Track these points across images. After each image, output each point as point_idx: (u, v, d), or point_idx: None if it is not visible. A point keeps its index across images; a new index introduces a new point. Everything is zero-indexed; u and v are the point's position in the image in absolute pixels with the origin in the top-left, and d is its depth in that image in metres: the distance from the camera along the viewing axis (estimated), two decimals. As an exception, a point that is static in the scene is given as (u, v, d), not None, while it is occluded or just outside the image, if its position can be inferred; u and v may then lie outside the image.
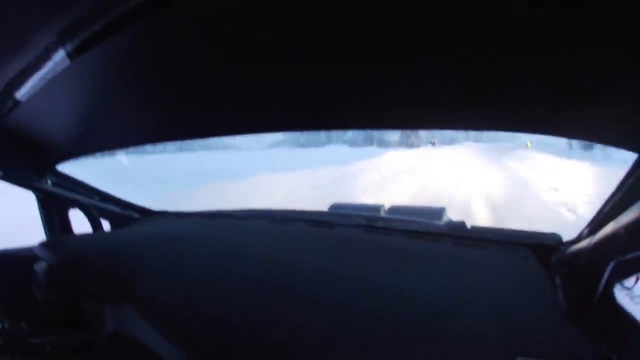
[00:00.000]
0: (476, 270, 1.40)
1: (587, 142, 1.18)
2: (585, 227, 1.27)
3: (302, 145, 36.76)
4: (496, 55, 0.83)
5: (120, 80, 1.27)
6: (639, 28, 0.64)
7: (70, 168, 2.36)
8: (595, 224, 1.20)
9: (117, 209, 2.67)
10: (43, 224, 2.31)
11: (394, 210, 2.54)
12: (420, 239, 1.77)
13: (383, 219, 2.15)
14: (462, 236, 1.69)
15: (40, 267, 1.76)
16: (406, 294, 1.25)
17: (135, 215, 2.78)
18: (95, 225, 2.48)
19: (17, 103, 1.33)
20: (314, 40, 0.89)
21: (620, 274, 0.94)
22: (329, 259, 1.62)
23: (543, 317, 1.07)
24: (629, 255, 0.84)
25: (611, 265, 0.92)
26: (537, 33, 0.72)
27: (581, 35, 0.70)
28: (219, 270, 1.56)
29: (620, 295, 1.00)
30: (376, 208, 2.55)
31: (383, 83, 1.06)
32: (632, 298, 1.02)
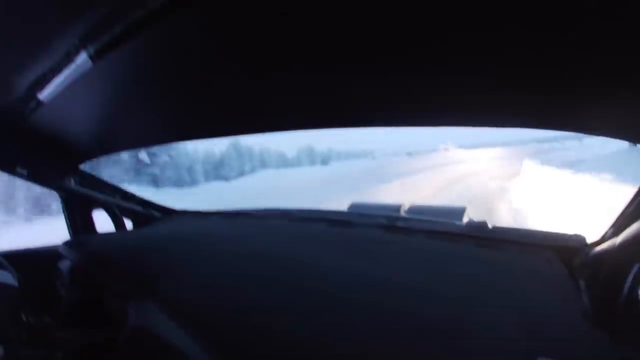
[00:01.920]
0: (498, 272, 1.38)
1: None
2: (609, 228, 1.24)
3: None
4: (507, 51, 0.82)
5: (140, 81, 1.29)
6: None
7: (93, 167, 2.40)
8: (619, 224, 1.17)
9: (139, 208, 2.70)
10: (67, 223, 2.36)
11: (413, 210, 2.52)
12: (441, 239, 1.75)
13: (403, 218, 2.13)
14: (483, 237, 1.67)
15: (64, 265, 1.80)
16: (427, 294, 1.24)
17: (157, 214, 2.82)
18: (118, 224, 2.52)
19: (40, 104, 1.36)
20: (329, 39, 0.89)
21: None
22: (350, 258, 1.61)
23: (566, 319, 1.05)
24: None
25: (636, 267, 0.90)
26: (550, 27, 0.71)
27: (603, 29, 0.68)
28: (241, 269, 1.56)
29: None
30: (396, 208, 2.53)
31: (395, 81, 1.06)
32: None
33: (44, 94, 1.28)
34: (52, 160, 2.12)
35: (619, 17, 0.65)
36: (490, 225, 1.77)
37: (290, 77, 1.14)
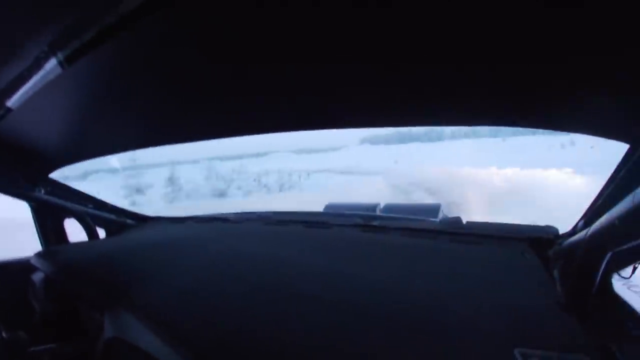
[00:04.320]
0: (474, 266, 1.40)
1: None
2: (580, 219, 1.28)
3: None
4: (490, 50, 0.84)
5: (111, 86, 1.27)
6: (628, 24, 0.65)
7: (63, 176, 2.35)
8: (590, 215, 1.21)
9: (111, 216, 2.65)
10: (38, 234, 2.29)
11: (389, 208, 2.55)
12: (417, 236, 1.77)
13: (379, 217, 2.16)
14: (458, 232, 1.70)
15: (37, 277, 1.75)
16: (405, 291, 1.26)
17: (130, 221, 2.77)
18: (91, 233, 2.46)
19: (8, 111, 1.32)
20: (309, 39, 0.89)
21: (617, 265, 0.95)
22: (327, 259, 1.62)
23: (542, 310, 1.08)
24: (625, 246, 0.84)
25: (608, 256, 0.93)
26: (529, 28, 0.73)
27: (572, 30, 0.71)
28: (217, 274, 1.55)
29: (618, 285, 1.01)
30: (372, 207, 2.55)
31: (381, 81, 1.07)
32: (629, 287, 1.03)
33: (12, 101, 1.24)
34: (21, 169, 2.06)
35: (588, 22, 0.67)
36: (464, 221, 1.80)
37: (266, 80, 1.14)
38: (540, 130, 1.21)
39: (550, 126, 1.14)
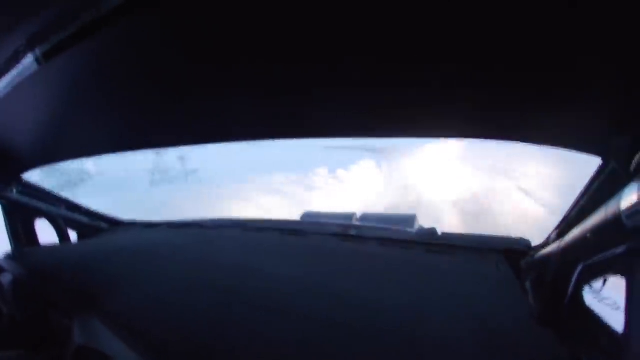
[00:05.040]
0: (448, 277, 1.42)
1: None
2: (553, 231, 1.30)
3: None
4: (467, 65, 0.85)
5: (89, 87, 1.25)
6: (601, 38, 0.66)
7: (37, 177, 2.29)
8: (563, 228, 1.23)
9: (85, 219, 2.60)
10: (8, 235, 2.23)
11: (365, 218, 2.57)
12: (392, 246, 1.79)
13: (355, 227, 2.17)
14: (433, 243, 1.72)
15: (5, 279, 1.70)
16: (379, 302, 1.26)
17: (104, 225, 2.72)
18: (63, 236, 2.41)
19: None
20: (291, 43, 0.89)
21: (589, 277, 0.96)
22: (302, 267, 1.61)
23: (515, 321, 1.09)
24: (596, 258, 0.86)
25: (579, 268, 0.95)
26: (502, 39, 0.74)
27: (544, 42, 0.72)
28: (190, 281, 1.53)
29: (590, 298, 1.03)
30: (348, 216, 2.57)
31: (363, 90, 1.07)
32: (600, 300, 1.05)
33: None
34: None
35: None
36: (439, 232, 1.82)
37: (249, 83, 1.13)
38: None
39: (522, 140, 1.16)
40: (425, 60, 0.85)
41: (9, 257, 1.76)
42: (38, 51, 0.94)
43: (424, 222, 2.41)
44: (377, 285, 1.39)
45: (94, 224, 2.66)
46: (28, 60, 0.98)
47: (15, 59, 0.98)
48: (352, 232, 2.03)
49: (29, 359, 1.71)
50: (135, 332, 1.19)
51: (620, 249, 0.74)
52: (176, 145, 1.87)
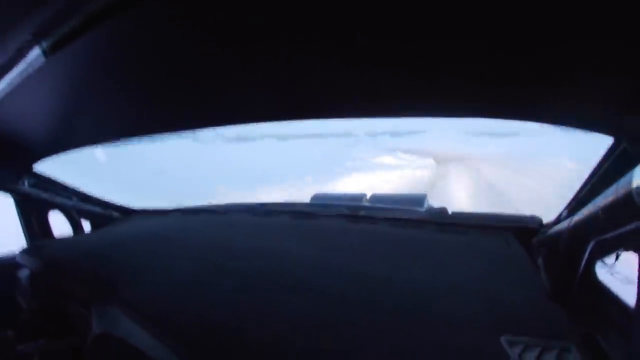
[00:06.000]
0: (459, 255, 1.42)
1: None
2: (564, 209, 1.30)
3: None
4: (476, 42, 0.84)
5: (96, 76, 1.25)
6: (615, 15, 0.65)
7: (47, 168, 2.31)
8: (574, 205, 1.23)
9: (97, 209, 2.62)
10: (22, 228, 2.26)
11: (375, 198, 2.56)
12: (403, 226, 1.79)
13: (365, 207, 2.17)
14: (444, 222, 1.72)
15: (22, 274, 1.73)
16: (391, 279, 1.27)
17: (116, 214, 2.74)
18: (76, 227, 2.44)
19: None
20: (298, 25, 0.88)
21: (600, 253, 0.97)
22: (315, 248, 1.62)
23: (527, 298, 1.10)
24: (608, 235, 0.86)
25: (591, 244, 0.95)
26: (513, 18, 0.73)
27: (556, 20, 0.71)
28: (205, 266, 1.55)
29: (602, 272, 1.03)
30: (358, 197, 2.56)
31: (378, 70, 1.06)
32: (612, 274, 1.05)
33: None
34: (4, 161, 2.02)
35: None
36: (450, 211, 1.82)
37: (257, 68, 1.13)
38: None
39: (534, 118, 1.15)
40: (439, 38, 0.84)
41: (24, 252, 1.79)
42: (44, 44, 0.94)
43: (434, 201, 2.41)
44: (389, 263, 1.40)
45: (106, 213, 2.69)
46: (34, 53, 0.98)
47: (21, 54, 0.98)
48: (363, 213, 2.03)
49: (50, 349, 1.76)
50: (153, 318, 1.21)
51: (631, 226, 0.74)
52: (188, 130, 1.87)
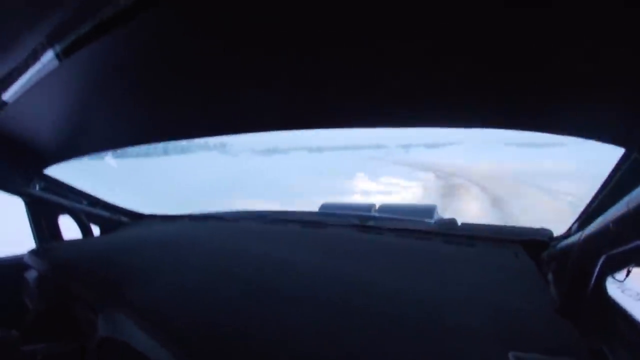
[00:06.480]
0: (468, 267, 1.40)
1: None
2: (575, 222, 1.28)
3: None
4: (488, 52, 0.83)
5: (109, 81, 1.26)
6: (627, 27, 0.65)
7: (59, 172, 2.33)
8: (584, 218, 1.21)
9: (106, 214, 2.64)
10: (32, 230, 2.28)
11: (384, 209, 2.54)
12: (412, 237, 1.78)
13: (374, 218, 2.16)
14: (453, 234, 1.71)
15: (30, 275, 1.74)
16: (399, 292, 1.26)
17: (125, 219, 2.76)
18: (85, 230, 2.45)
19: (3, 105, 1.31)
20: (307, 34, 0.88)
21: (611, 268, 0.95)
22: (322, 258, 1.62)
23: (535, 312, 1.08)
24: (619, 249, 0.84)
25: (602, 259, 0.93)
26: (526, 29, 0.73)
27: (568, 31, 0.71)
28: (211, 273, 1.54)
29: (612, 288, 1.01)
30: (367, 207, 2.55)
31: (378, 81, 1.06)
32: (623, 291, 1.03)
33: (8, 95, 1.24)
34: (16, 164, 2.04)
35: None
36: (459, 222, 1.81)
37: (266, 76, 1.14)
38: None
39: (545, 129, 1.14)
40: (448, 49, 0.85)
41: (33, 254, 1.80)
42: (58, 47, 0.95)
43: (444, 212, 2.39)
44: (397, 274, 1.39)
45: (115, 218, 2.70)
46: (48, 56, 0.99)
47: (35, 57, 0.99)
48: (371, 223, 2.02)
49: (55, 351, 1.76)
50: (158, 323, 1.21)
51: None
52: (199, 137, 1.88)
